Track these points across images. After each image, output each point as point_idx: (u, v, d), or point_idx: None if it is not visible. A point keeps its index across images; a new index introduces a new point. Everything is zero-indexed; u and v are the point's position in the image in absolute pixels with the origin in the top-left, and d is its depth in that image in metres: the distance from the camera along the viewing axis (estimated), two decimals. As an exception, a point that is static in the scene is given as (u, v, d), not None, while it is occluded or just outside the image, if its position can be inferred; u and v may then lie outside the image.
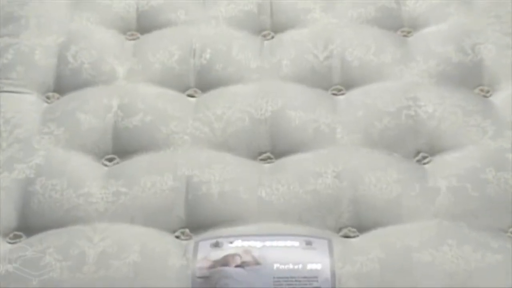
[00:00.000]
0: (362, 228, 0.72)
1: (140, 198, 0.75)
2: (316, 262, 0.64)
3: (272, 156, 0.82)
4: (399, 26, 0.92)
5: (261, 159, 0.81)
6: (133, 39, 0.97)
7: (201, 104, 0.86)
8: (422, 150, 0.80)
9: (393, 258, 0.66)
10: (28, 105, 0.82)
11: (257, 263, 0.64)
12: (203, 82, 0.93)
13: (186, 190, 0.76)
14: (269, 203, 0.74)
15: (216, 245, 0.68)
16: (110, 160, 0.82)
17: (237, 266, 0.64)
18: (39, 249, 0.65)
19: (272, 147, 0.82)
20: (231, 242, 0.67)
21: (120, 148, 0.82)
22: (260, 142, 0.82)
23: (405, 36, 0.94)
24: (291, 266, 0.64)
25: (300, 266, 0.64)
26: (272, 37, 0.93)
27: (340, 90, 0.90)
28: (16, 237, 0.69)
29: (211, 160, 0.79)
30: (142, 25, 0.94)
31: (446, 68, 0.86)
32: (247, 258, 0.66)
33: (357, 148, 0.80)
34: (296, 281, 0.63)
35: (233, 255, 0.66)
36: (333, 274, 0.63)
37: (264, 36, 0.94)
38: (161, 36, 0.94)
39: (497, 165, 0.72)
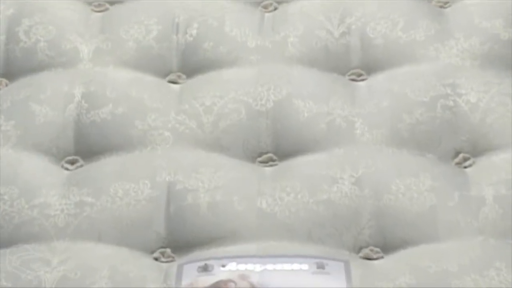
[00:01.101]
0: (387, 247, 0.72)
1: (110, 210, 0.75)
2: (331, 290, 0.65)
3: (275, 158, 0.83)
4: (435, -6, 0.91)
5: (261, 161, 0.82)
6: (101, 11, 0.96)
7: (186, 92, 0.87)
8: (463, 150, 0.80)
9: (426, 286, 0.66)
10: (-34, 93, 0.83)
11: (256, 291, 0.64)
12: (188, 65, 0.93)
13: (167, 200, 0.76)
14: (271, 216, 0.74)
15: (205, 269, 0.67)
16: (72, 162, 0.82)
17: (231, 295, 0.64)
18: (-18, 274, 0.65)
19: (274, 146, 0.84)
20: (223, 266, 0.67)
21: (84, 147, 0.83)
22: (260, 140, 0.83)
23: (441, 7, 0.93)
24: (298, 296, 0.64)
25: (311, 295, 0.65)
26: (275, 9, 0.94)
27: (360, 75, 0.90)
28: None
29: (198, 162, 0.80)
30: (112, -8, 0.92)
31: (493, 47, 0.86)
32: (243, 284, 0.65)
33: (381, 147, 0.80)
34: (305, 314, 0.64)
35: (226, 282, 0.66)
36: (351, 305, 0.65)
37: (265, 7, 0.94)
38: (136, 7, 0.96)
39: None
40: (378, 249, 0.72)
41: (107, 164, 0.80)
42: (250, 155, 0.83)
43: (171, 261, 0.72)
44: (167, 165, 0.79)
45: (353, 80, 0.89)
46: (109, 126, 0.83)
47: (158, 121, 0.84)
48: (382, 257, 0.71)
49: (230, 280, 0.66)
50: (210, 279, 0.66)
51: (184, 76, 0.92)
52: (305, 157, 0.82)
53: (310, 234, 0.73)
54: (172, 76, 0.92)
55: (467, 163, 0.78)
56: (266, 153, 0.83)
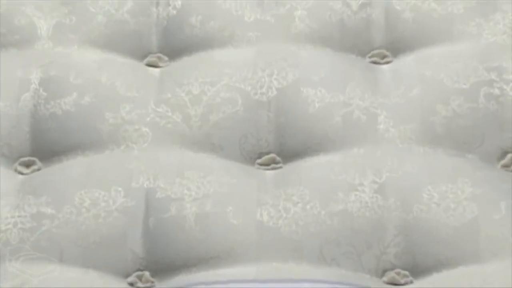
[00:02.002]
0: (417, 270, 0.72)
1: (74, 223, 0.75)
2: (347, 322, 0.67)
3: (278, 159, 0.83)
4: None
5: (262, 163, 0.83)
6: (63, -22, 1.00)
7: (168, 78, 0.88)
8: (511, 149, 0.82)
9: (465, 317, 0.68)
10: None
11: (254, 324, 0.67)
12: (171, 44, 0.93)
13: (146, 212, 0.77)
14: (274, 231, 0.75)
15: (192, 296, 0.69)
16: (28, 164, 0.82)
17: (224, 328, 0.67)
18: None
19: (278, 145, 0.84)
20: (215, 293, 0.69)
21: (42, 146, 0.83)
22: (260, 137, 0.84)
23: (485, -28, 0.97)
24: (308, 329, 0.67)
25: (323, 329, 0.67)
26: (279, -26, 0.95)
27: (384, 57, 0.90)
28: None
29: (184, 164, 0.80)
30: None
31: (548, 23, 0.89)
32: (239, 316, 0.68)
33: (410, 146, 0.81)
34: None
35: (218, 313, 0.68)
36: None
37: (267, -28, 0.95)
38: (107, -28, 0.96)
39: None
40: (406, 272, 0.72)
41: (70, 167, 0.80)
42: (248, 156, 0.83)
43: (150, 287, 0.72)
44: (145, 168, 0.80)
45: (375, 62, 0.89)
46: (73, 120, 0.84)
47: (133, 113, 0.84)
48: (411, 282, 0.72)
49: (223, 311, 0.69)
50: (198, 309, 0.69)
51: (166, 58, 0.92)
52: (316, 158, 0.82)
53: (322, 253, 0.73)
54: (151, 58, 0.92)
55: (516, 166, 0.79)
56: (268, 153, 0.83)
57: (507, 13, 0.90)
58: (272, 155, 0.83)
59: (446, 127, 0.81)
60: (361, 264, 0.72)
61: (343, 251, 0.73)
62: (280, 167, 0.82)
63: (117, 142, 0.82)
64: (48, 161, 0.82)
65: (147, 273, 0.73)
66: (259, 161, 0.83)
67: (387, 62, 0.89)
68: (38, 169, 0.81)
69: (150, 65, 0.90)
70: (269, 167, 0.82)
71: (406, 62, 0.88)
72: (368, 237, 0.73)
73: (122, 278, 0.73)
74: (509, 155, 0.80)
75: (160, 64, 0.90)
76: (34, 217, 0.75)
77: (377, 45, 0.90)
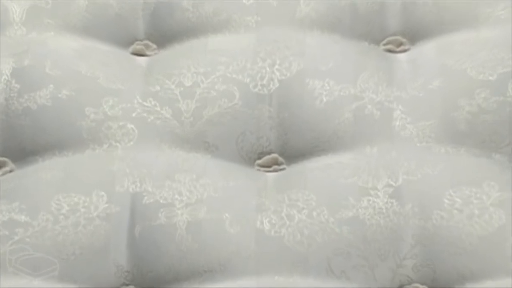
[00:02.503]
0: (437, 285, 0.73)
1: (51, 232, 0.75)
2: None
3: (281, 160, 0.83)
4: None
5: (262, 165, 0.83)
6: (39, -46, 1.00)
7: (157, 68, 0.88)
8: (545, 149, 0.81)
9: None
10: None
11: None
12: (160, 30, 0.93)
13: (131, 219, 0.77)
14: (276, 241, 0.75)
15: (184, 314, 0.70)
16: (-2, 166, 0.83)
17: None
18: None
19: (281, 144, 0.84)
20: (210, 310, 0.70)
21: (15, 146, 0.83)
22: (260, 135, 0.84)
23: None
24: None
25: None
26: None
27: (400, 44, 0.90)
28: None
29: (174, 166, 0.80)
30: None
31: None
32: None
33: (429, 145, 0.80)
34: None
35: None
36: None
37: None
38: None
39: None
40: (425, 287, 0.72)
41: (46, 169, 0.80)
42: (246, 156, 0.83)
43: (137, 304, 0.74)
44: (130, 170, 0.80)
45: (390, 51, 0.89)
46: (49, 116, 0.83)
47: (117, 108, 0.84)
48: (431, 299, 0.72)
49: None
50: (191, 329, 0.70)
51: (154, 46, 0.93)
52: (323, 158, 0.82)
53: (330, 266, 0.73)
54: (137, 46, 0.92)
55: (550, 167, 0.78)
56: (269, 153, 0.84)
57: (543, -8, 0.91)
58: (274, 155, 0.84)
59: (470, 124, 0.81)
60: (374, 278, 0.72)
61: (354, 264, 0.73)
62: (283, 169, 0.83)
63: (99, 140, 0.83)
64: (21, 162, 0.82)
65: (133, 288, 0.74)
66: (259, 162, 0.83)
67: (404, 50, 0.89)
68: (10, 171, 0.82)
69: (136, 53, 0.91)
70: (270, 168, 0.83)
71: (425, 50, 0.88)
72: (382, 247, 0.74)
73: (106, 293, 0.74)
74: (541, 156, 0.80)
75: (148, 53, 0.90)
76: (5, 225, 0.75)
77: (393, 31, 0.90)
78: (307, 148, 0.83)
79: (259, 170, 0.83)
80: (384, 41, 0.91)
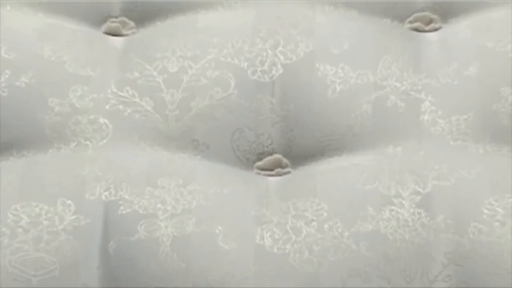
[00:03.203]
0: (475, 311, 0.72)
1: (8, 249, 0.74)
2: None
3: (285, 161, 0.83)
4: None
5: (263, 168, 0.83)
6: None
7: (135, 50, 0.88)
8: None
9: None
10: None
11: None
12: (139, 5, 0.93)
13: (104, 233, 0.76)
14: (279, 259, 0.74)
15: None
16: None
17: None
18: None
19: (285, 142, 0.84)
20: None
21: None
22: (260, 132, 0.84)
23: None
24: None
25: None
26: None
27: (429, 22, 0.91)
28: None
29: (157, 169, 0.80)
30: None
31: None
32: None
33: (465, 143, 0.81)
34: None
35: None
36: None
37: None
38: None
39: None
40: (459, 315, 0.73)
41: (1, 173, 0.80)
42: (244, 157, 0.83)
43: (111, 335, 0.75)
44: (103, 174, 0.79)
45: (417, 29, 0.89)
46: (5, 108, 0.83)
47: (87, 99, 0.84)
48: (467, 329, 0.72)
49: None
50: None
51: (131, 24, 0.93)
52: (336, 160, 0.82)
53: (345, 289, 0.74)
54: (112, 24, 0.92)
55: None
56: (271, 153, 0.83)
57: None
58: (276, 156, 0.83)
59: (515, 119, 0.82)
60: (399, 303, 0.73)
61: (374, 287, 0.73)
62: (288, 172, 0.83)
63: (65, 138, 0.82)
64: (-28, 164, 0.82)
65: (107, 316, 0.75)
66: (259, 164, 0.83)
67: (434, 29, 0.89)
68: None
69: (110, 33, 0.91)
70: (272, 172, 0.83)
71: (459, 28, 0.88)
72: (407, 267, 0.73)
73: (74, 322, 0.74)
74: None
75: (124, 32, 0.90)
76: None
77: (421, 6, 0.90)
78: (316, 147, 0.83)
79: (259, 173, 0.83)
80: (411, 18, 0.91)
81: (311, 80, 0.85)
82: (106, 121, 0.83)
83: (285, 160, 0.83)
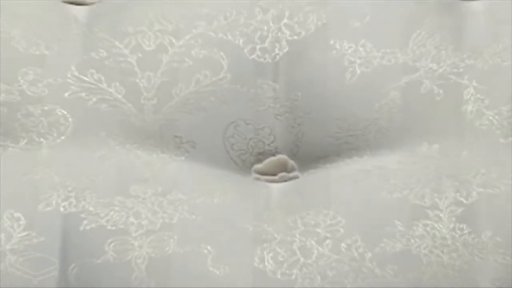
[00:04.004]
0: None
1: None
2: None
3: (292, 164, 0.84)
4: None
5: (263, 172, 0.83)
6: None
7: (102, 23, 0.88)
8: None
9: None
10: None
11: None
12: None
13: (63, 255, 0.78)
14: (283, 286, 0.76)
15: None
16: None
17: None
18: None
19: (292, 140, 0.84)
20: None
21: None
22: (260, 126, 0.84)
23: None
24: None
25: None
26: None
27: None
28: None
29: (129, 173, 0.81)
30: None
31: None
32: None
33: None
34: None
35: None
36: None
37: None
38: None
39: None
40: None
41: None
42: (239, 158, 0.83)
43: None
44: (61, 179, 0.80)
45: None
46: None
47: (41, 85, 0.83)
48: None
49: None
50: None
51: None
52: (356, 162, 0.83)
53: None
54: None
55: None
56: (274, 153, 0.83)
57: None
58: (281, 156, 0.83)
59: None
60: None
61: None
62: (295, 177, 0.83)
63: (13, 134, 0.83)
64: None
65: None
66: (259, 166, 0.84)
67: None
68: None
69: (71, 1, 0.89)
70: (275, 177, 0.83)
71: None
72: None
73: None
74: None
75: (88, 0, 0.89)
76: None
77: None
78: (331, 145, 0.84)
79: (258, 179, 0.83)
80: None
81: (325, 61, 0.85)
82: (64, 112, 0.84)
83: (291, 162, 0.83)
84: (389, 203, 0.78)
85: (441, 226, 0.77)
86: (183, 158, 0.83)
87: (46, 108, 0.83)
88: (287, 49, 0.85)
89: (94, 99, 0.84)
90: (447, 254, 0.76)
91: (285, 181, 0.83)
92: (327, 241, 0.77)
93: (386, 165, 0.81)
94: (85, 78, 0.84)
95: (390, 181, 0.80)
